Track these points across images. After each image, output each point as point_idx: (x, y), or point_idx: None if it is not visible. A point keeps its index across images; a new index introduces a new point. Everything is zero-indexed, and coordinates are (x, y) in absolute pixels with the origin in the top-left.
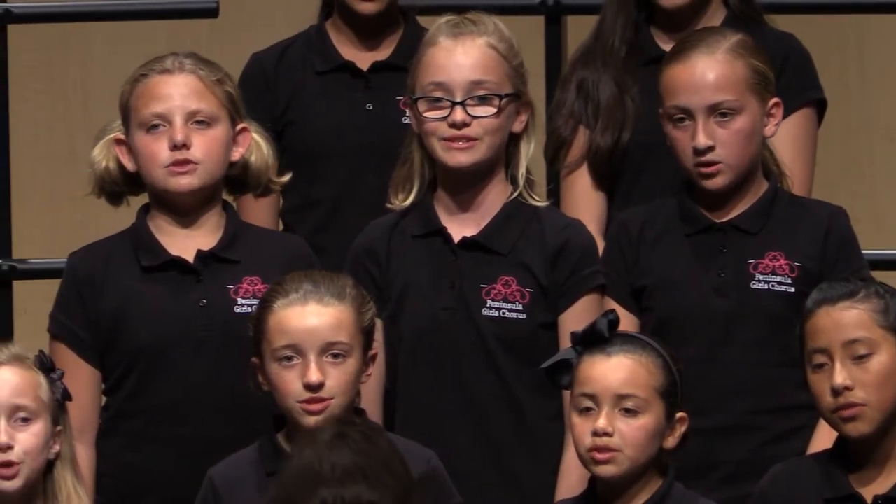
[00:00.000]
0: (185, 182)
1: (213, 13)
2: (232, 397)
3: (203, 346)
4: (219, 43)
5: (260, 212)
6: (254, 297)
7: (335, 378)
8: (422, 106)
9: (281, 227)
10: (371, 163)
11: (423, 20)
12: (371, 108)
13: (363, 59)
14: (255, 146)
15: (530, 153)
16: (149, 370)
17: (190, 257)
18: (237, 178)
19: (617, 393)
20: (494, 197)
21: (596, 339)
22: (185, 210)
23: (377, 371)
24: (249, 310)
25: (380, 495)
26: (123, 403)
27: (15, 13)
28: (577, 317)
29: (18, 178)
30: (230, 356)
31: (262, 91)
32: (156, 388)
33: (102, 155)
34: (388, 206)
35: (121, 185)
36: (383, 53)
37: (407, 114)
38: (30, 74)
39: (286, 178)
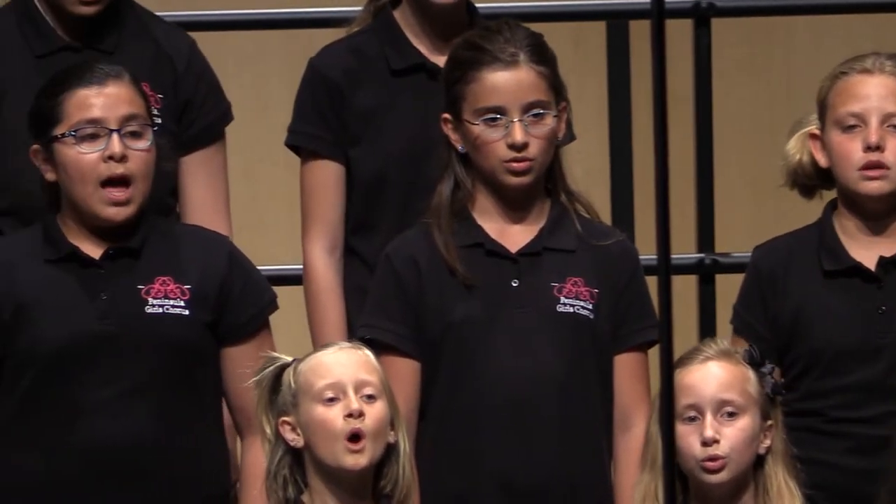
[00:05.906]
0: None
1: None
2: None
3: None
4: None
5: None
6: None
7: None
8: None
9: None
10: None
11: None
12: None
13: None
14: None
15: None
16: (823, 373)
17: (870, 263)
18: None
19: None
20: None
21: None
22: (873, 215)
23: None
24: None
25: None
26: (799, 403)
27: (719, 7)
28: None
29: (722, 171)
30: None
31: None
32: (832, 389)
33: (797, 148)
34: None
35: (813, 179)
36: None
37: None
38: (734, 68)
39: None
